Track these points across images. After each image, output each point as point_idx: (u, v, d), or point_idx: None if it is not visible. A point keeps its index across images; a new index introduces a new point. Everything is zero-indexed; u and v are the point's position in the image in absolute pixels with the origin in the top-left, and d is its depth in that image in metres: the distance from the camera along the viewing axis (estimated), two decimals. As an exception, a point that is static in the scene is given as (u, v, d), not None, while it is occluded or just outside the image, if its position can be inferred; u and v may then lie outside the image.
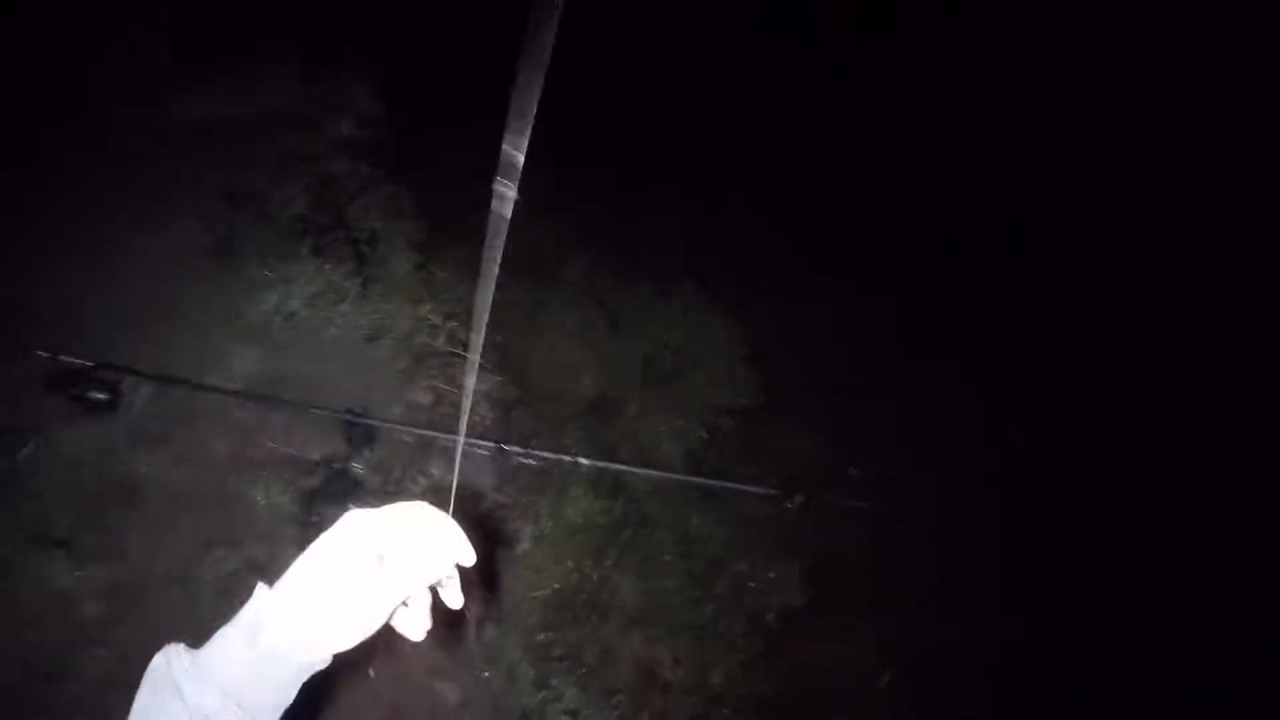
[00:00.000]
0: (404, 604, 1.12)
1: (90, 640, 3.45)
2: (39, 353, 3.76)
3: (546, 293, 4.29)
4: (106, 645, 3.44)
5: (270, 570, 3.46)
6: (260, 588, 1.06)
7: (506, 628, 3.66)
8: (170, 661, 1.01)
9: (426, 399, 3.99)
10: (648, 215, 4.76)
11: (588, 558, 3.79)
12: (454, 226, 4.45)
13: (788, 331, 4.41)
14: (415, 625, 1.15)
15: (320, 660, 1.04)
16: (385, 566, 1.05)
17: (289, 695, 1.04)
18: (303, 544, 3.38)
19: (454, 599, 1.17)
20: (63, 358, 3.77)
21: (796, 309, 4.43)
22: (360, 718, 3.47)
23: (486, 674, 3.59)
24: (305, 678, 1.05)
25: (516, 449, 3.65)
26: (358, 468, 3.70)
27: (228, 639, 1.02)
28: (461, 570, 1.15)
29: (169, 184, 4.60)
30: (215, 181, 4.66)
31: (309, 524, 3.68)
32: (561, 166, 4.42)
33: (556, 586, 3.74)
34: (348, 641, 1.06)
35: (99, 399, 3.81)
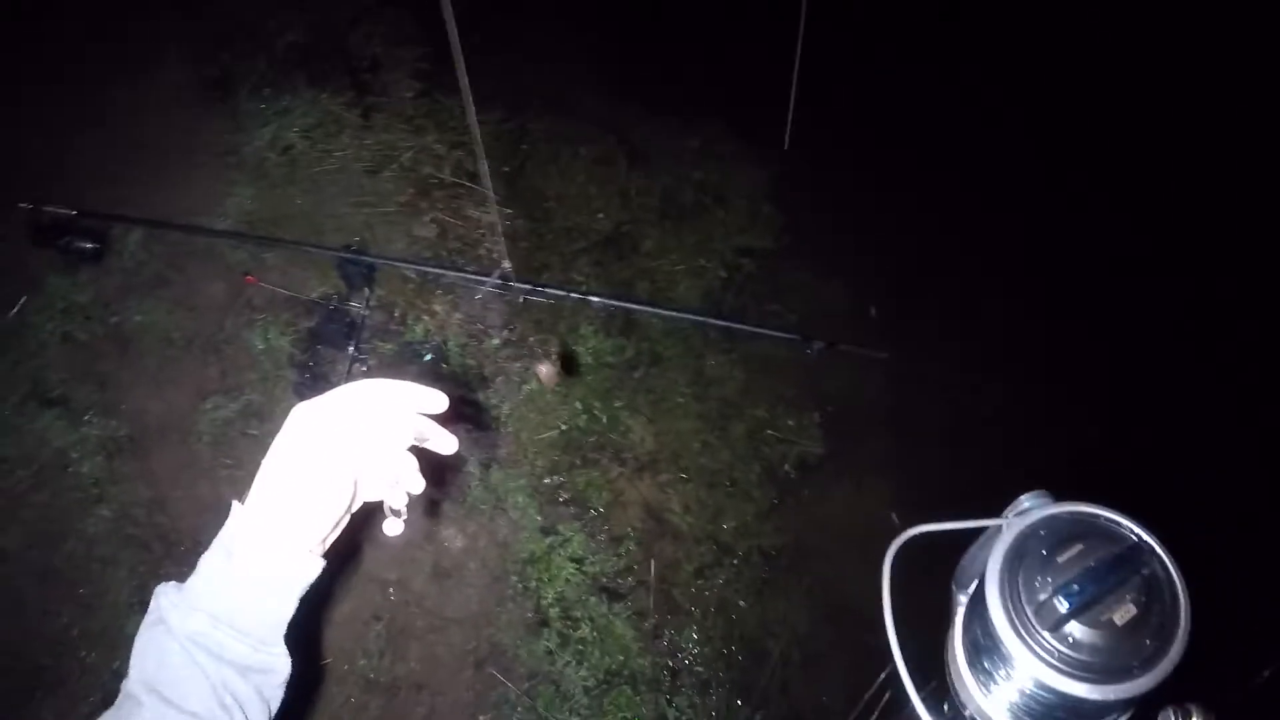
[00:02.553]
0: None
1: (90, 499, 3.42)
2: (22, 205, 3.62)
3: (564, 124, 4.02)
4: (106, 503, 3.42)
5: (269, 416, 3.32)
6: (234, 506, 1.01)
7: (512, 471, 3.55)
8: (158, 598, 0.97)
9: (431, 233, 3.80)
10: (675, 49, 4.42)
11: (597, 399, 3.64)
12: (461, 50, 4.15)
13: (813, 173, 4.10)
14: (400, 495, 1.11)
15: (309, 570, 1.01)
16: (348, 452, 1.02)
17: (286, 611, 1.00)
18: (301, 388, 3.24)
19: (445, 446, 1.12)
20: (47, 208, 3.63)
21: (822, 152, 4.10)
22: (358, 564, 3.43)
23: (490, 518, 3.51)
24: (300, 590, 1.01)
25: (524, 284, 3.45)
26: (358, 306, 3.53)
27: (209, 564, 0.98)
28: (448, 414, 1.11)
29: (153, 23, 4.36)
30: (206, 15, 4.41)
31: (307, 366, 3.55)
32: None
33: (564, 428, 3.61)
34: (329, 540, 1.06)
35: (87, 248, 3.70)
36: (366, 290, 3.51)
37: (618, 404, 3.64)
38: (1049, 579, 0.95)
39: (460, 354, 3.64)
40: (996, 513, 1.14)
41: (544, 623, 3.41)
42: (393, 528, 1.12)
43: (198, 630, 0.92)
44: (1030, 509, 1.08)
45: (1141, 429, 3.67)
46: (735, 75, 4.24)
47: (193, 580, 0.98)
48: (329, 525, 1.02)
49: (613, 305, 3.56)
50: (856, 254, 3.98)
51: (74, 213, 3.63)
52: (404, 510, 1.11)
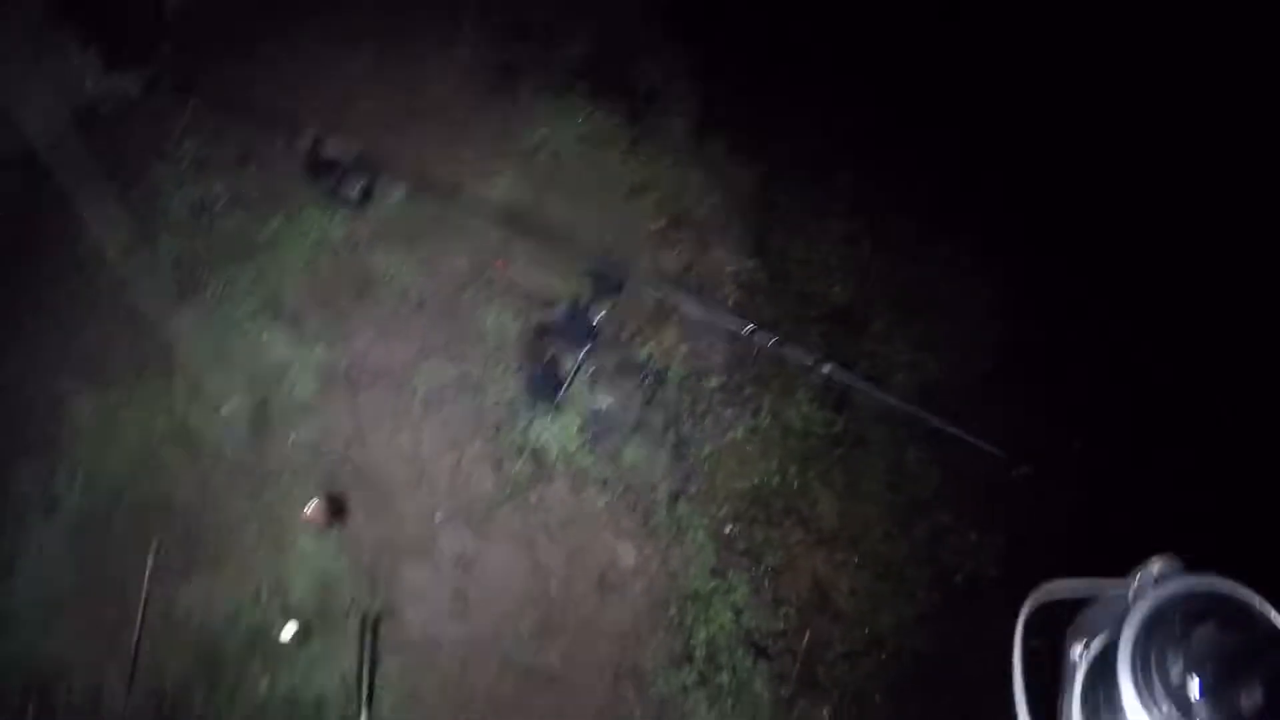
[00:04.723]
0: None
1: (297, 413, 3.63)
2: (307, 131, 3.88)
3: (820, 196, 4.13)
4: (308, 421, 3.62)
5: (481, 389, 3.48)
6: None
7: (699, 508, 3.65)
8: None
9: (676, 265, 3.93)
10: (939, 151, 4.50)
11: (795, 463, 3.71)
12: (739, 103, 4.32)
13: (1041, 299, 4.12)
14: None
15: None
16: None
17: None
18: (521, 377, 3.37)
19: None
20: (329, 147, 3.88)
21: (1047, 275, 4.12)
22: (530, 550, 3.56)
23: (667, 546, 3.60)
24: None
25: (756, 336, 3.55)
26: (594, 314, 3.68)
27: None
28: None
29: (455, 6, 4.63)
30: (499, 7, 4.67)
31: (540, 357, 3.71)
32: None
33: (756, 482, 3.69)
34: None
35: (354, 192, 3.94)
36: (610, 301, 3.67)
37: (812, 474, 3.71)
38: (1181, 656, 0.93)
39: (678, 385, 3.76)
40: (1122, 570, 1.11)
41: (689, 658, 3.49)
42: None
43: None
44: (1163, 577, 1.06)
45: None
46: (989, 189, 4.29)
47: None
48: None
49: (840, 378, 3.63)
50: (1070, 385, 3.97)
51: (353, 156, 3.89)
52: None
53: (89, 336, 3.77)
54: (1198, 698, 0.91)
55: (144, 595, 3.31)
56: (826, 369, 3.58)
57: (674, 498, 3.64)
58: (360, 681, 3.32)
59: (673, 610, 3.53)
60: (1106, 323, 3.93)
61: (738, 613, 3.54)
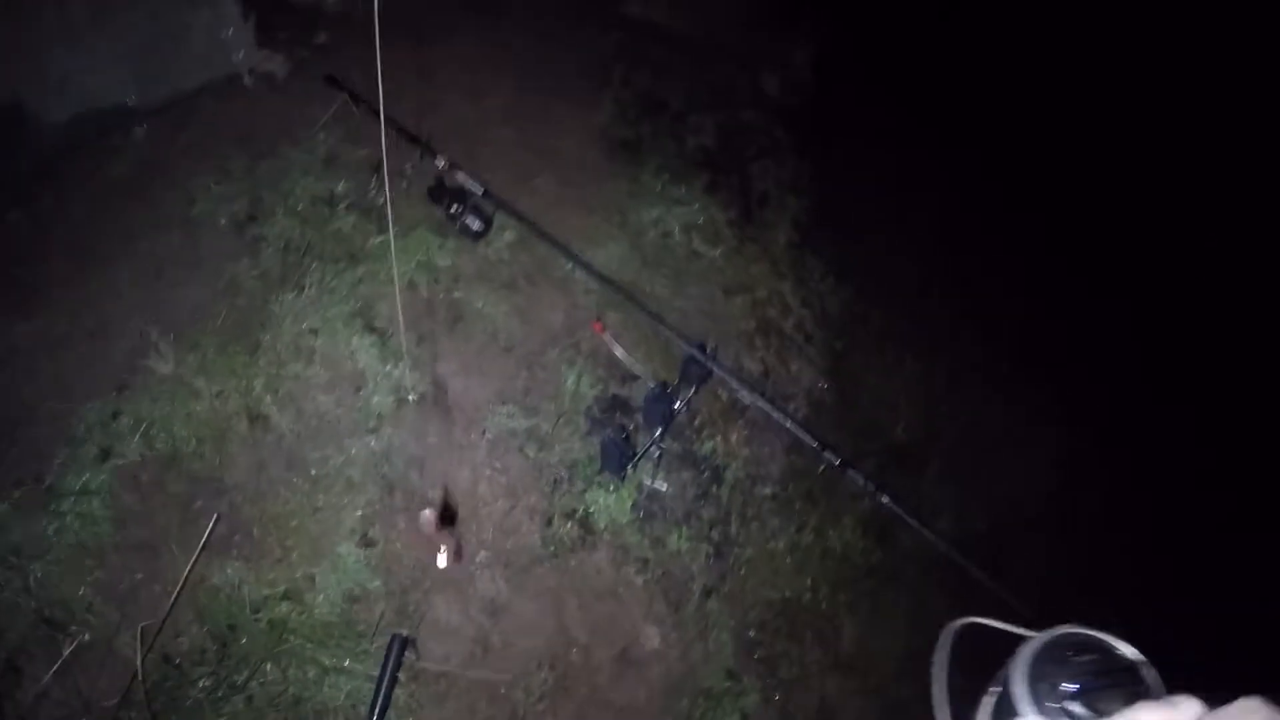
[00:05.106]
0: None
1: (367, 426, 3.72)
2: (440, 159, 3.98)
3: (901, 325, 4.31)
4: (378, 436, 3.72)
5: (548, 445, 3.60)
6: None
7: (727, 609, 3.73)
8: None
9: (755, 368, 4.07)
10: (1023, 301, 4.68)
11: (827, 584, 3.82)
12: (840, 225, 4.52)
13: (1106, 464, 4.29)
14: None
15: None
16: None
17: None
18: (589, 442, 3.50)
19: None
20: (460, 174, 3.98)
21: (1114, 441, 4.30)
22: (558, 611, 3.62)
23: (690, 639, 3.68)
24: None
25: (818, 452, 3.68)
26: (674, 399, 3.79)
27: None
28: None
29: (599, 70, 4.81)
30: (640, 83, 4.85)
31: (621, 426, 3.79)
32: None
33: (787, 595, 3.79)
34: None
35: (473, 225, 4.02)
36: (693, 390, 3.79)
37: (842, 598, 3.82)
38: (1065, 677, 1.12)
39: (733, 485, 3.87)
40: None
41: (690, 754, 3.55)
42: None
43: None
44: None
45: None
46: (1073, 343, 4.45)
47: None
48: None
49: (889, 511, 3.76)
50: (1112, 559, 4.10)
51: (481, 191, 4.00)
52: None
53: (185, 296, 3.79)
54: (1080, 710, 1.11)
55: (191, 565, 3.32)
56: (883, 499, 3.71)
57: (707, 593, 3.73)
58: (376, 700, 3.33)
59: (684, 702, 3.59)
60: (1163, 502, 4.09)
61: (744, 717, 3.61)
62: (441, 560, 3.34)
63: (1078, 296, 4.49)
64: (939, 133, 4.85)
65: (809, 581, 3.82)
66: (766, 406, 3.78)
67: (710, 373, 3.74)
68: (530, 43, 4.79)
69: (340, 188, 4.06)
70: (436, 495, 3.64)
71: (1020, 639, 1.50)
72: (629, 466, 3.68)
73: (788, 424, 3.74)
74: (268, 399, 3.70)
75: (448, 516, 3.49)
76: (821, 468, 3.75)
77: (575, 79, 4.68)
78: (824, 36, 5.27)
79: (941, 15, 5.23)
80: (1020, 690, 1.18)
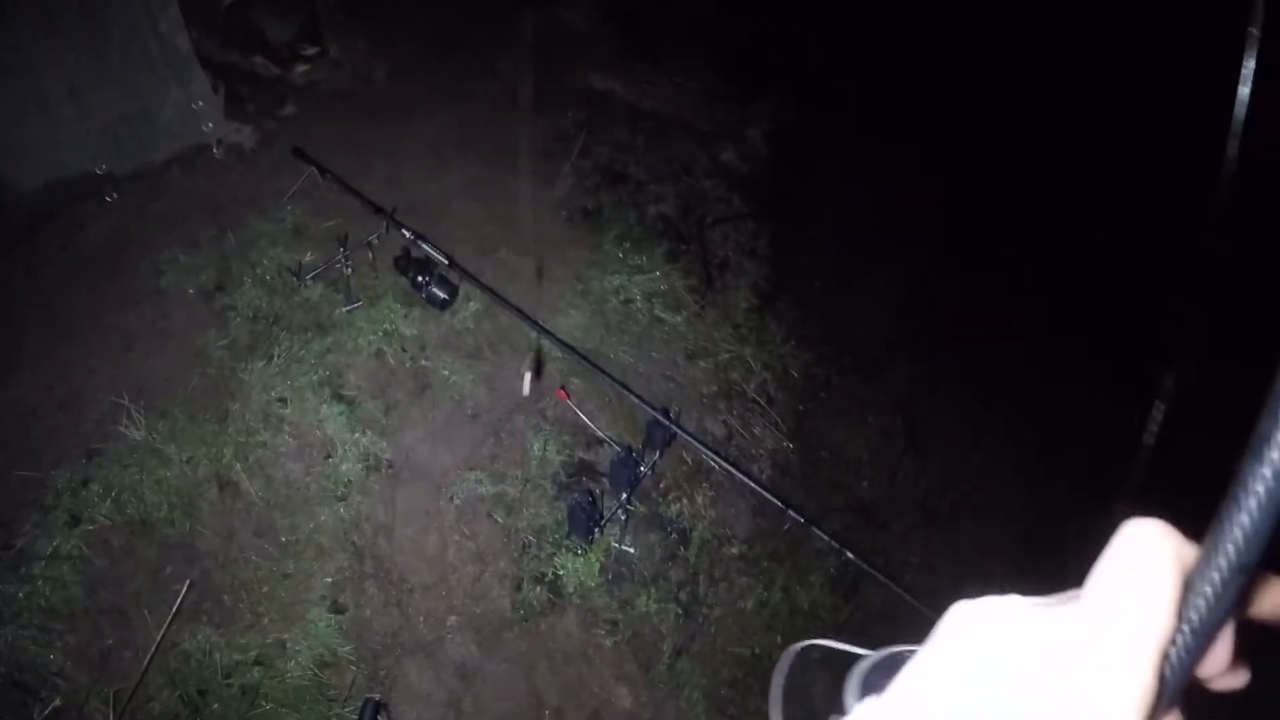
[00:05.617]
0: None
1: (335, 494, 3.75)
2: (406, 231, 4.07)
3: (864, 389, 4.43)
4: (346, 504, 3.74)
5: (516, 510, 3.65)
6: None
7: (699, 668, 3.76)
8: None
9: (719, 432, 4.16)
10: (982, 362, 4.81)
11: (797, 641, 3.87)
12: (800, 289, 4.66)
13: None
14: None
15: None
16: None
17: None
18: (556, 507, 3.59)
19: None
20: (424, 244, 4.07)
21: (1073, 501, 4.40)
22: (530, 675, 3.63)
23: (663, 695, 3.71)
24: None
25: (781, 511, 3.77)
26: (639, 464, 3.85)
27: None
28: None
29: (559, 143, 4.96)
30: (600, 155, 5.01)
31: (588, 491, 3.84)
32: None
33: (757, 652, 3.83)
34: None
35: (439, 295, 4.10)
36: (658, 453, 3.86)
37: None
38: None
39: (700, 546, 3.93)
40: None
41: (655, 819, 3.55)
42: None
43: None
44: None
45: None
46: (1029, 401, 4.56)
47: None
48: None
49: (855, 569, 3.83)
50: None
51: (446, 261, 4.08)
52: None
53: (155, 366, 3.82)
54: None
55: (164, 631, 3.30)
56: (847, 554, 3.78)
57: (677, 653, 3.76)
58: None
59: (655, 766, 3.61)
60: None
61: (714, 777, 3.64)
62: (526, 387, 3.81)
63: (1046, 355, 4.64)
64: (897, 193, 5.01)
65: (779, 639, 3.86)
66: (730, 468, 3.85)
67: (674, 436, 3.82)
68: (492, 117, 4.93)
69: (309, 257, 4.13)
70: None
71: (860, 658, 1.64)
72: (596, 530, 3.72)
73: (751, 485, 3.82)
74: (237, 466, 3.71)
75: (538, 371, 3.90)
76: (786, 526, 3.83)
77: (537, 152, 4.82)
78: (779, 110, 5.48)
79: (900, 90, 5.45)
80: (852, 704, 1.35)
